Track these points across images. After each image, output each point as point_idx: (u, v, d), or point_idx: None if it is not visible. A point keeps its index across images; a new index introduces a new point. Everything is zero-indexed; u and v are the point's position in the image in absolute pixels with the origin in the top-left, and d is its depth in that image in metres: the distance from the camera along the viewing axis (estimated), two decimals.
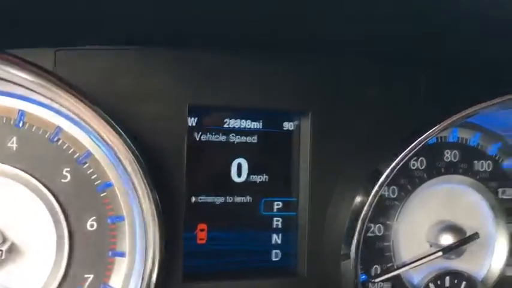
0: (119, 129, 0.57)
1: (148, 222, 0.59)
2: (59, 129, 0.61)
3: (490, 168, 0.80)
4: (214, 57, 0.66)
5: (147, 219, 0.59)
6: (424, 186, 0.77)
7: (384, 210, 0.76)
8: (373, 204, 0.67)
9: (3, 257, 0.59)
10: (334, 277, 0.69)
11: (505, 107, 0.72)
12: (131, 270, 0.64)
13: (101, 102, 0.57)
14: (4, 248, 0.59)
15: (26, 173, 0.60)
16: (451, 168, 0.78)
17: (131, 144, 0.58)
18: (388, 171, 0.67)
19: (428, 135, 0.68)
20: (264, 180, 0.72)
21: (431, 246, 0.77)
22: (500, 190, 0.81)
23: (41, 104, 0.59)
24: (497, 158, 0.81)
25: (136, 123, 0.63)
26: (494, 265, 0.81)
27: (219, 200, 0.70)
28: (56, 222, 0.61)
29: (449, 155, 0.78)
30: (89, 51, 0.63)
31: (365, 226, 0.67)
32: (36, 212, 0.61)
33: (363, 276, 0.74)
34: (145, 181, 0.59)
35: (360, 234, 0.66)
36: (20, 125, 0.60)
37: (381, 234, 0.76)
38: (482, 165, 0.80)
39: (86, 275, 0.63)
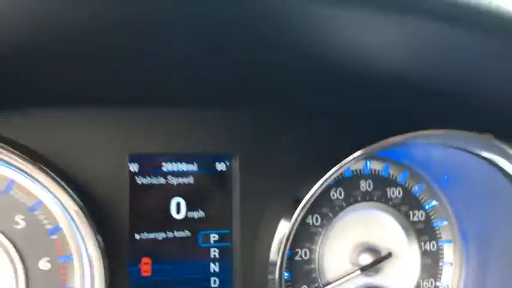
0: (63, 183, 0.66)
1: (94, 262, 0.68)
2: (12, 182, 0.70)
3: (401, 195, 0.92)
4: (150, 112, 0.76)
5: (92, 259, 0.68)
6: (343, 213, 0.88)
7: (308, 236, 0.86)
8: (294, 230, 0.77)
9: None
10: None
11: (409, 143, 0.84)
12: None
13: (47, 159, 0.66)
14: None
15: None
16: (367, 196, 0.89)
17: (75, 195, 0.67)
18: (305, 199, 0.77)
19: (337, 169, 0.78)
20: (201, 216, 0.81)
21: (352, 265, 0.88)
22: (411, 213, 0.92)
23: None
24: (407, 185, 0.92)
25: (82, 174, 0.71)
26: (409, 279, 0.92)
27: (161, 235, 0.79)
28: (13, 263, 0.69)
29: (364, 185, 0.90)
30: (32, 114, 0.72)
31: (286, 251, 0.76)
32: None
33: None
34: (89, 226, 0.67)
35: (282, 259, 0.76)
36: None
37: (307, 258, 0.86)
38: (394, 192, 0.91)
39: None
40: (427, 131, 0.79)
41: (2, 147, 0.65)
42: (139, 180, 0.78)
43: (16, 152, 0.65)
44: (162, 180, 0.79)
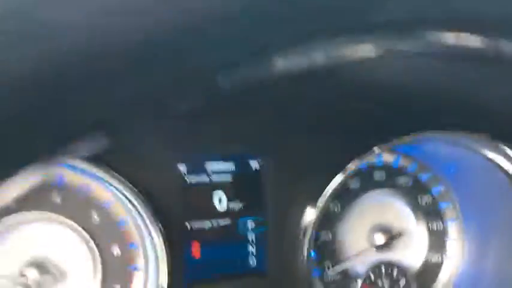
0: (130, 185, 0.82)
1: (157, 247, 0.84)
2: (88, 185, 0.86)
3: (410, 182, 1.06)
4: (196, 122, 0.91)
5: (156, 244, 0.84)
6: (360, 200, 1.03)
7: (330, 220, 1.01)
8: (318, 217, 0.92)
9: (56, 279, 0.83)
10: (296, 275, 0.94)
11: (417, 140, 0.97)
12: (147, 280, 0.89)
13: (115, 165, 0.82)
14: (57, 273, 0.83)
15: (67, 218, 0.85)
16: (380, 185, 1.04)
17: (140, 194, 0.82)
18: (328, 190, 0.92)
19: (355, 163, 0.93)
20: (239, 206, 0.96)
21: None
22: (419, 197, 1.06)
23: (75, 169, 0.83)
24: (415, 173, 1.06)
25: (143, 176, 0.86)
26: (419, 254, 1.07)
27: (207, 224, 0.94)
28: (91, 251, 0.86)
29: (377, 175, 1.04)
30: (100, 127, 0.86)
31: (313, 234, 0.92)
32: (76, 245, 0.85)
33: (318, 272, 0.99)
34: (152, 217, 0.83)
35: (309, 241, 0.91)
36: (61, 184, 0.85)
37: (330, 239, 1.01)
38: (404, 180, 1.05)
39: (115, 286, 0.87)
40: (433, 132, 0.93)
41: (80, 159, 0.80)
42: (188, 178, 0.93)
43: (91, 162, 0.81)
44: (206, 178, 0.94)
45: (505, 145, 0.92)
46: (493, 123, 0.91)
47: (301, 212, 0.94)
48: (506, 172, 0.95)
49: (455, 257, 1.07)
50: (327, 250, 1.01)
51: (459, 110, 0.93)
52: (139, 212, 0.85)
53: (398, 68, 0.82)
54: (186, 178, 0.94)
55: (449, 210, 1.07)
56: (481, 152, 0.96)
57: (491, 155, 0.95)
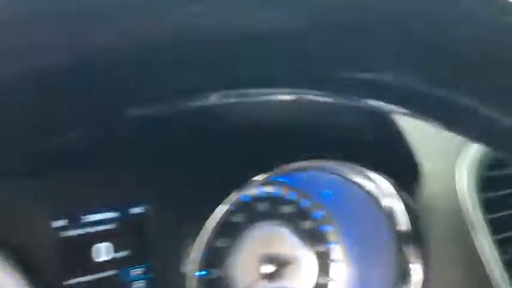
0: (4, 248, 0.77)
1: None
2: None
3: (292, 210, 1.10)
4: (70, 176, 0.89)
5: None
6: (246, 233, 1.05)
7: (219, 256, 1.02)
8: (202, 253, 0.93)
9: None
10: None
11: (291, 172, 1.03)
12: None
13: None
14: None
15: None
16: (264, 215, 1.07)
17: (14, 256, 0.78)
18: (208, 225, 0.94)
19: (233, 196, 0.96)
20: (124, 255, 0.94)
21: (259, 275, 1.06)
22: (302, 223, 1.11)
23: None
24: (296, 201, 1.11)
25: (17, 236, 0.82)
26: (309, 278, 1.11)
27: (89, 278, 0.90)
28: None
29: (261, 206, 1.07)
30: None
31: (199, 273, 0.92)
32: None
33: None
34: (28, 279, 0.79)
35: (197, 280, 0.91)
36: None
37: (220, 275, 1.02)
38: (286, 209, 1.10)
39: None
40: (307, 162, 0.99)
41: None
42: (63, 234, 0.89)
43: None
44: (84, 231, 0.91)
45: (371, 172, 1.00)
46: (360, 152, 0.99)
47: (187, 252, 0.95)
48: (376, 198, 1.03)
49: (341, 278, 1.12)
50: (220, 286, 1.02)
51: (330, 142, 1.00)
52: (13, 275, 0.80)
53: (278, 104, 0.87)
54: (62, 234, 0.90)
55: (331, 234, 1.13)
56: (353, 179, 1.03)
57: (361, 181, 1.02)
